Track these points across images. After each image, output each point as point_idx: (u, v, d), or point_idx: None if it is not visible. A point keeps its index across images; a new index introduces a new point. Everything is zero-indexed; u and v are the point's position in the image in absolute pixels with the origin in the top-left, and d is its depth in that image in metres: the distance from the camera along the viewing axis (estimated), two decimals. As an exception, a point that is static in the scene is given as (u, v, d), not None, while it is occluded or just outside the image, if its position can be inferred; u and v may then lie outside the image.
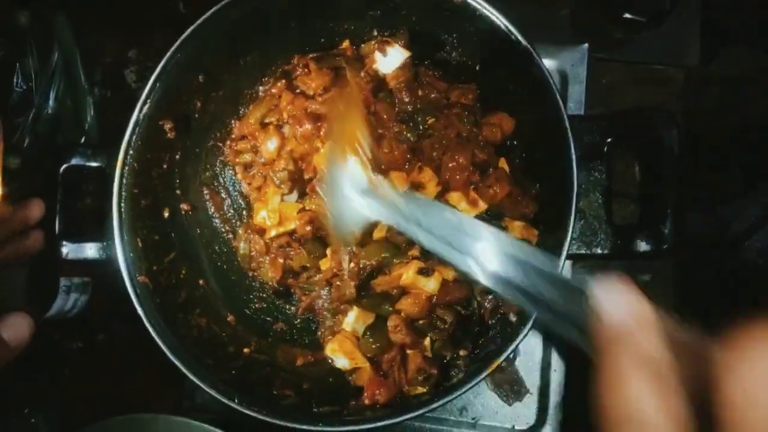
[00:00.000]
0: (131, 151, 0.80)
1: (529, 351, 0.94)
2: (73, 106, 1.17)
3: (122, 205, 0.79)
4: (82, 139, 1.17)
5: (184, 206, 0.91)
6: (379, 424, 0.74)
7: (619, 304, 0.39)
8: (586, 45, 0.99)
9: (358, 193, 0.68)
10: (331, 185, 0.71)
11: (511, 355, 0.94)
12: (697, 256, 1.29)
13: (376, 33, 0.92)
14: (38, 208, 0.84)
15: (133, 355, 1.10)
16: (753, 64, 1.22)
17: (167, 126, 0.85)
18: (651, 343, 0.37)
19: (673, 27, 1.06)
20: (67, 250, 0.84)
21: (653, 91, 1.08)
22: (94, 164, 0.84)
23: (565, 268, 0.72)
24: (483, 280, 0.53)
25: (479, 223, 0.57)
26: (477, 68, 0.88)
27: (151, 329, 0.76)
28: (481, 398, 0.95)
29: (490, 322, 0.82)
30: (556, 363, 0.94)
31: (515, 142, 0.87)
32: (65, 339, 1.14)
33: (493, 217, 0.83)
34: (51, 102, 1.15)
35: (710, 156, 1.30)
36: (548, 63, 0.97)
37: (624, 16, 1.03)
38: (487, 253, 0.54)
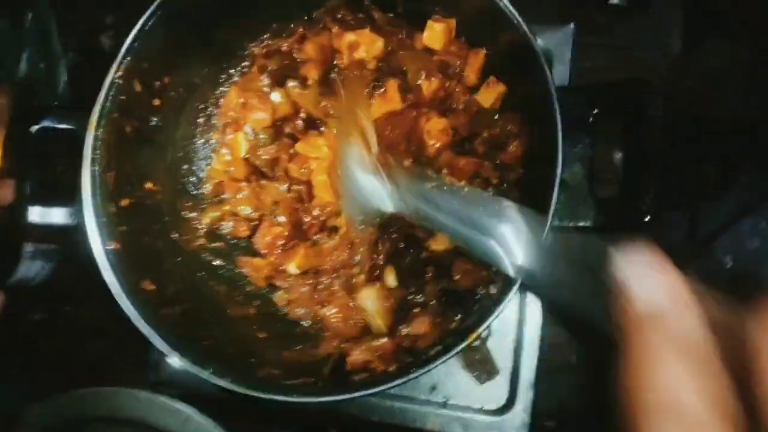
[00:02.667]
0: (105, 113, 0.77)
1: (502, 330, 0.93)
2: (46, 71, 1.13)
3: (95, 168, 0.76)
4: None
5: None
6: (354, 395, 0.72)
7: (651, 284, 0.35)
8: (572, 25, 0.99)
9: (370, 178, 0.67)
10: (344, 174, 0.70)
11: (484, 334, 0.93)
12: (671, 255, 1.30)
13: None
14: (9, 191, 0.81)
15: (99, 327, 1.08)
16: (736, 53, 1.23)
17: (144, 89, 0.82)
18: (689, 324, 0.33)
19: (657, 13, 1.07)
20: (35, 214, 0.80)
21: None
22: (66, 126, 0.81)
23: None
24: (510, 270, 0.53)
25: (502, 201, 0.55)
26: (462, 40, 0.87)
27: (123, 303, 0.74)
28: (452, 378, 0.94)
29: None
30: (529, 344, 0.93)
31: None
32: (28, 309, 1.10)
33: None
34: (23, 65, 1.11)
35: (685, 151, 1.32)
36: (533, 42, 0.97)
37: (608, 1, 1.03)
38: (512, 238, 0.52)
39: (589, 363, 1.03)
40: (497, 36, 0.80)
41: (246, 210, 0.90)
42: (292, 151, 0.89)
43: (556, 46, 0.97)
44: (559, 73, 0.96)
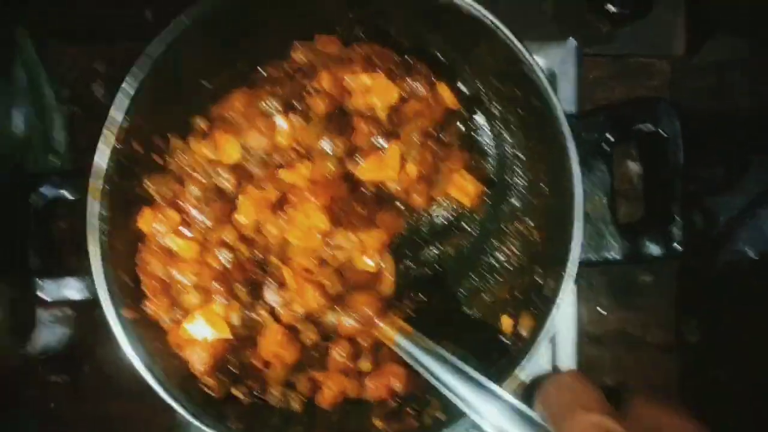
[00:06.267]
0: (103, 179, 0.75)
1: (536, 355, 0.91)
2: (42, 127, 1.12)
3: (101, 238, 0.74)
4: (55, 161, 1.12)
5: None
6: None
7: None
8: (573, 41, 0.96)
9: None
10: None
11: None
12: (693, 252, 1.29)
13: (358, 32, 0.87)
14: None
15: (120, 385, 1.07)
16: (739, 51, 1.21)
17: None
18: None
19: (658, 16, 1.04)
20: (44, 289, 0.78)
21: (641, 84, 1.07)
22: (65, 192, 0.79)
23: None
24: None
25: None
26: (466, 68, 0.85)
27: (140, 367, 0.72)
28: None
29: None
30: (564, 368, 0.91)
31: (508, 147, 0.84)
32: (49, 373, 1.09)
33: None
34: (19, 122, 1.10)
35: (696, 147, 1.30)
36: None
37: (607, 8, 1.01)
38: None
39: (626, 385, 1.01)
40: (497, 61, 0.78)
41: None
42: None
43: (559, 64, 0.94)
44: (565, 92, 0.93)
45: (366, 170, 0.79)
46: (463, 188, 0.86)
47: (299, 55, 0.86)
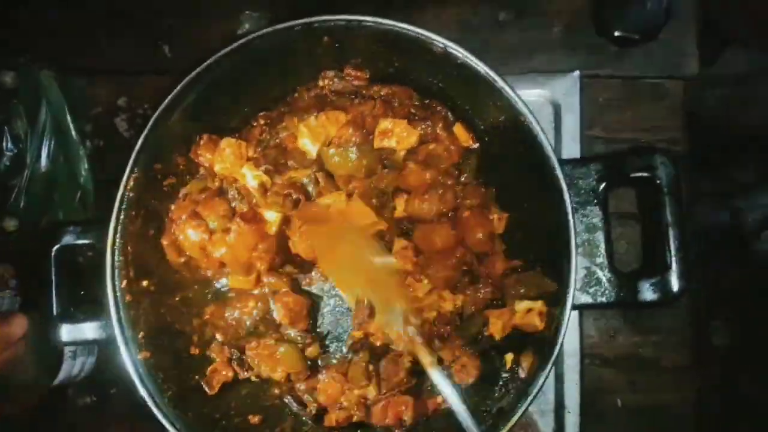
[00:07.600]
0: (120, 230, 0.78)
1: (541, 392, 0.92)
2: (66, 162, 1.16)
3: (115, 283, 0.77)
4: (78, 195, 1.16)
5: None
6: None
7: None
8: (578, 73, 0.96)
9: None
10: None
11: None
12: (716, 250, 1.28)
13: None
14: (20, 326, 0.83)
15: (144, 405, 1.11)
16: (753, 63, 1.18)
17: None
18: None
19: (669, 36, 1.03)
20: (66, 332, 0.82)
21: (652, 106, 1.05)
22: (84, 242, 0.83)
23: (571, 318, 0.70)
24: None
25: None
26: (468, 109, 0.86)
27: (155, 410, 0.76)
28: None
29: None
30: (570, 404, 0.92)
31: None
32: (78, 396, 1.14)
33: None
34: (44, 161, 1.14)
35: (721, 152, 1.28)
36: (540, 93, 0.95)
37: (615, 34, 1.00)
38: None
39: (636, 405, 1.01)
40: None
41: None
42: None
43: (563, 95, 0.94)
44: (569, 123, 0.93)
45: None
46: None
47: (326, 82, 0.89)
